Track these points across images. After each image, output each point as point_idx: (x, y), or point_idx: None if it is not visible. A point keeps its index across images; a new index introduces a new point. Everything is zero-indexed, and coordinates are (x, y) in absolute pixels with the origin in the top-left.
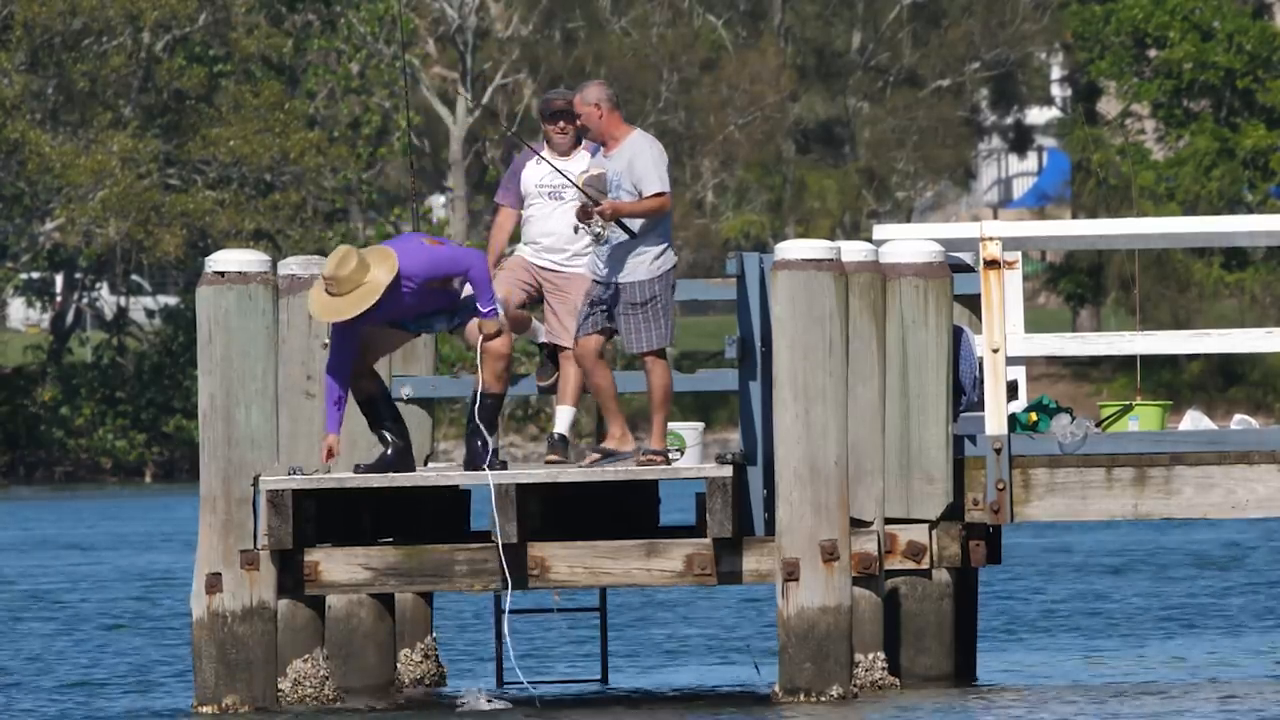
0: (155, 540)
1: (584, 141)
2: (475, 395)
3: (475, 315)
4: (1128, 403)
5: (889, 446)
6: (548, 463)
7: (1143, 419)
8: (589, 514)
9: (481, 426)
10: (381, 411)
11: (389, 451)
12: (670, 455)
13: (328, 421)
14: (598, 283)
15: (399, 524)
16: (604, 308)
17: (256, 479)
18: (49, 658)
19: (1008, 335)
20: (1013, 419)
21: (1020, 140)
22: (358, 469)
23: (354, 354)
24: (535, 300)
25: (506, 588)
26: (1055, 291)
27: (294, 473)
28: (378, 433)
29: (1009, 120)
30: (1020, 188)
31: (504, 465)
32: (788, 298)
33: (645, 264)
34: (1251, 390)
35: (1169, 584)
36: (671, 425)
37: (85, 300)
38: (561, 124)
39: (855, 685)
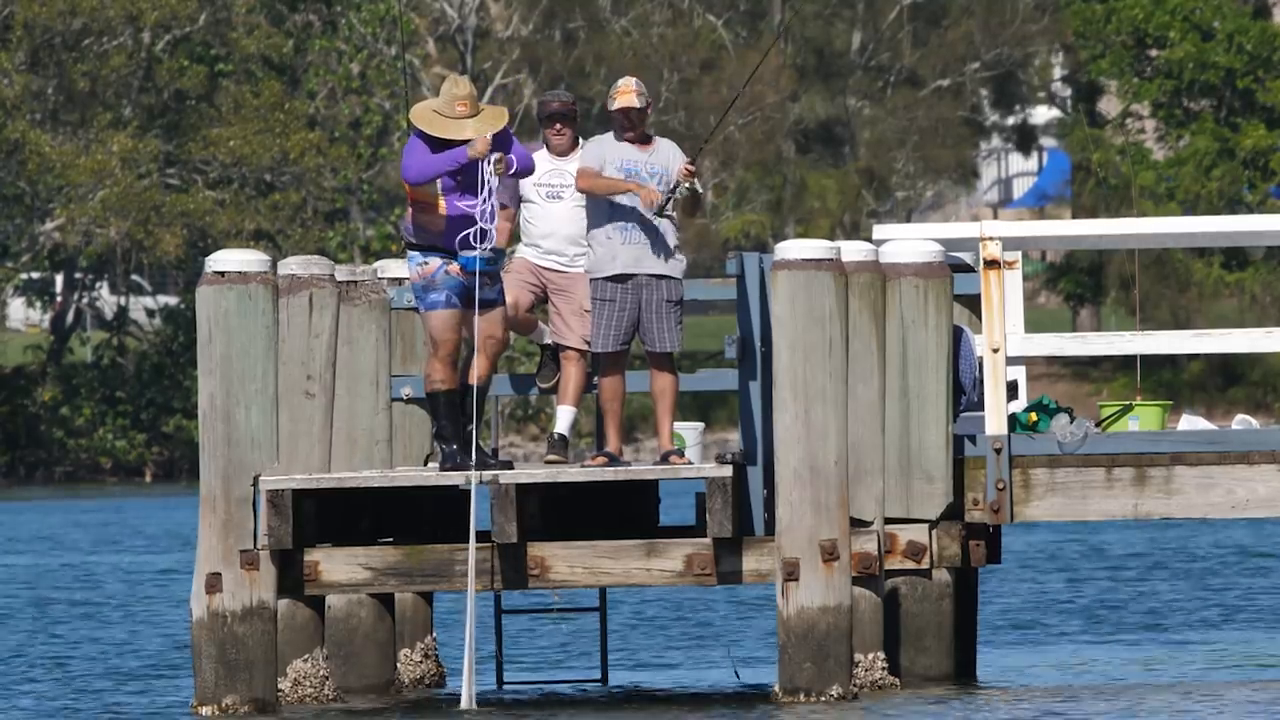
0: (155, 539)
1: (581, 141)
2: (458, 392)
3: (497, 305)
4: (1128, 403)
5: (889, 446)
6: (548, 463)
7: (1143, 419)
8: (589, 514)
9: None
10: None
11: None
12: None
13: (440, 161)
14: (613, 280)
15: (399, 524)
16: (624, 310)
17: (256, 479)
18: (48, 657)
19: (1008, 335)
20: (1013, 419)
21: (1023, 140)
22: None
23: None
24: (541, 300)
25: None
26: (1055, 291)
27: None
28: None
29: (1011, 121)
30: (1020, 188)
31: (509, 464)
32: (788, 298)
33: (678, 262)
34: (1251, 390)
35: (1171, 583)
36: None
37: (85, 300)
38: (558, 126)
39: (855, 685)
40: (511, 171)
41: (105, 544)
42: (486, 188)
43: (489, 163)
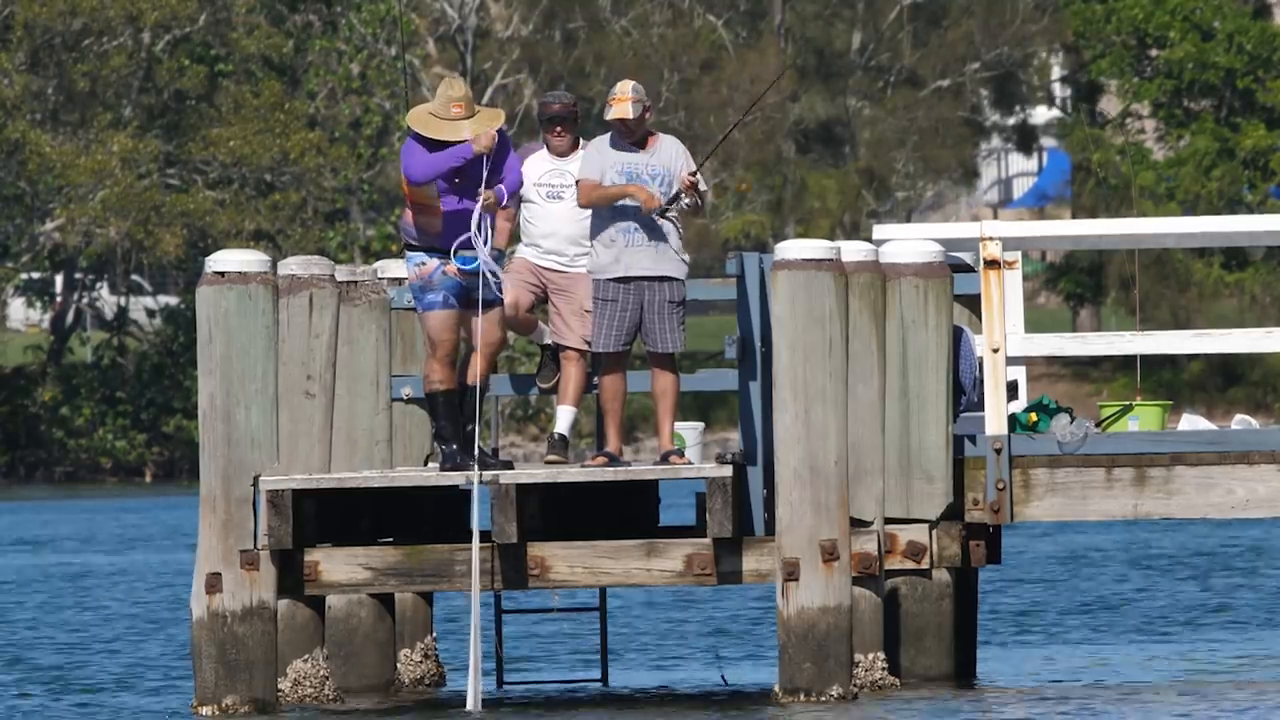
0: (155, 539)
1: (582, 142)
2: (460, 391)
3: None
4: (1128, 403)
5: (889, 446)
6: (548, 463)
7: (1143, 419)
8: (589, 514)
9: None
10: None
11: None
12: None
13: (444, 159)
14: (616, 281)
15: (399, 524)
16: (626, 310)
17: (256, 479)
18: (48, 658)
19: (1008, 335)
20: (1013, 419)
21: (1024, 140)
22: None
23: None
24: (541, 300)
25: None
26: (1055, 291)
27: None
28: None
29: (1012, 121)
30: (1020, 188)
31: (509, 464)
32: (788, 298)
33: (681, 263)
34: (1251, 390)
35: (1172, 583)
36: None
37: (85, 300)
38: (559, 129)
39: (855, 685)
40: (503, 204)
41: (107, 544)
42: (484, 237)
43: (479, 200)
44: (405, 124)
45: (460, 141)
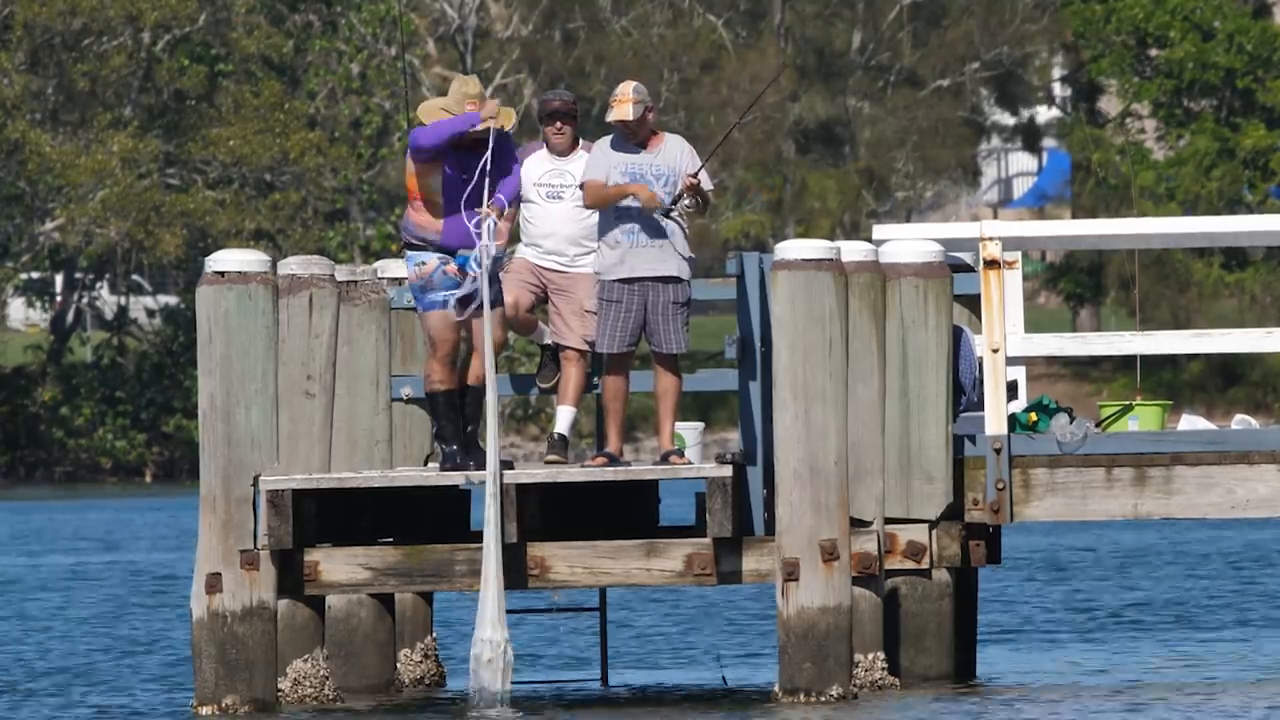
0: (156, 539)
1: (581, 141)
2: (459, 391)
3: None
4: (1128, 403)
5: (889, 446)
6: (547, 463)
7: (1143, 419)
8: (589, 514)
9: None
10: (464, 413)
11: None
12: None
13: (451, 124)
14: (621, 282)
15: (399, 524)
16: (631, 311)
17: (256, 479)
18: (48, 658)
19: (1008, 335)
20: (1013, 419)
21: (1029, 140)
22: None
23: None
24: (541, 301)
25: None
26: (1055, 291)
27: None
28: (449, 439)
29: (1014, 121)
30: (1020, 188)
31: (509, 464)
32: (788, 298)
33: (686, 264)
34: (1251, 390)
35: (1171, 582)
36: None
37: (85, 300)
38: (559, 124)
39: (855, 685)
40: (504, 213)
41: (106, 543)
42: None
43: (482, 207)
44: (416, 117)
45: (474, 137)
